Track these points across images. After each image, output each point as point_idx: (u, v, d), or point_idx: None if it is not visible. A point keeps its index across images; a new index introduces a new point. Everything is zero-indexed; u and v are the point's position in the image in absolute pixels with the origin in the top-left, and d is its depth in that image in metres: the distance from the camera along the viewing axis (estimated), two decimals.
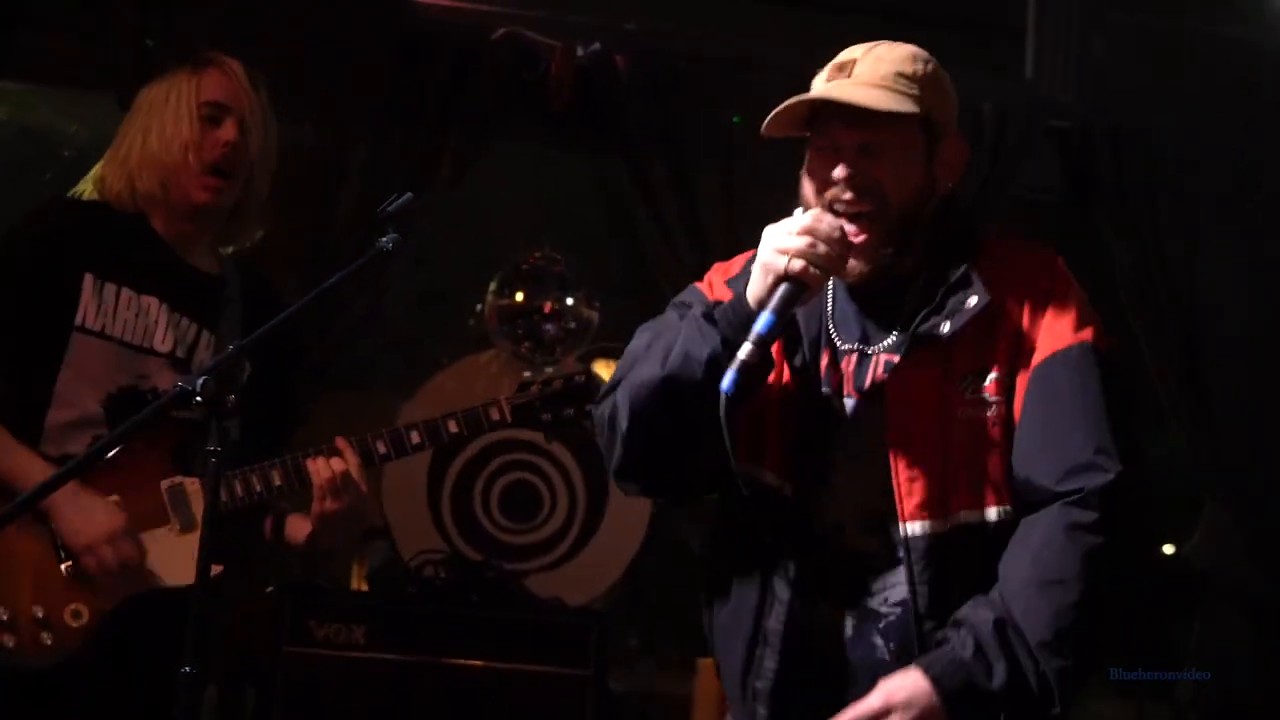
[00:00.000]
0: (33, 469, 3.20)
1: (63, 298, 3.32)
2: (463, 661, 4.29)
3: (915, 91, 2.53)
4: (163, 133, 3.39)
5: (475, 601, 4.48)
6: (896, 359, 2.55)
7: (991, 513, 2.52)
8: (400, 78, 4.83)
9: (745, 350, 2.39)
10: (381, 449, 3.40)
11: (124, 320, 3.36)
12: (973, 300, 2.52)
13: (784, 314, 2.44)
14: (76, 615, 3.25)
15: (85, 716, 3.27)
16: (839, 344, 2.62)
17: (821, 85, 2.59)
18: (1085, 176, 5.24)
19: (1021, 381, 2.53)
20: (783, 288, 2.44)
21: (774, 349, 2.57)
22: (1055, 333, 2.53)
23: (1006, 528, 2.51)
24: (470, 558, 4.82)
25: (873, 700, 2.44)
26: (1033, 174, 5.21)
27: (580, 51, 4.92)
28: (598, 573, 5.06)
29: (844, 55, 2.61)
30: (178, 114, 3.39)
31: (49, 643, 3.23)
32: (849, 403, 2.59)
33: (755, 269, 2.49)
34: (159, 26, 4.65)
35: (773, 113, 2.58)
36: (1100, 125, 5.21)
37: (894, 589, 2.53)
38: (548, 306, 5.01)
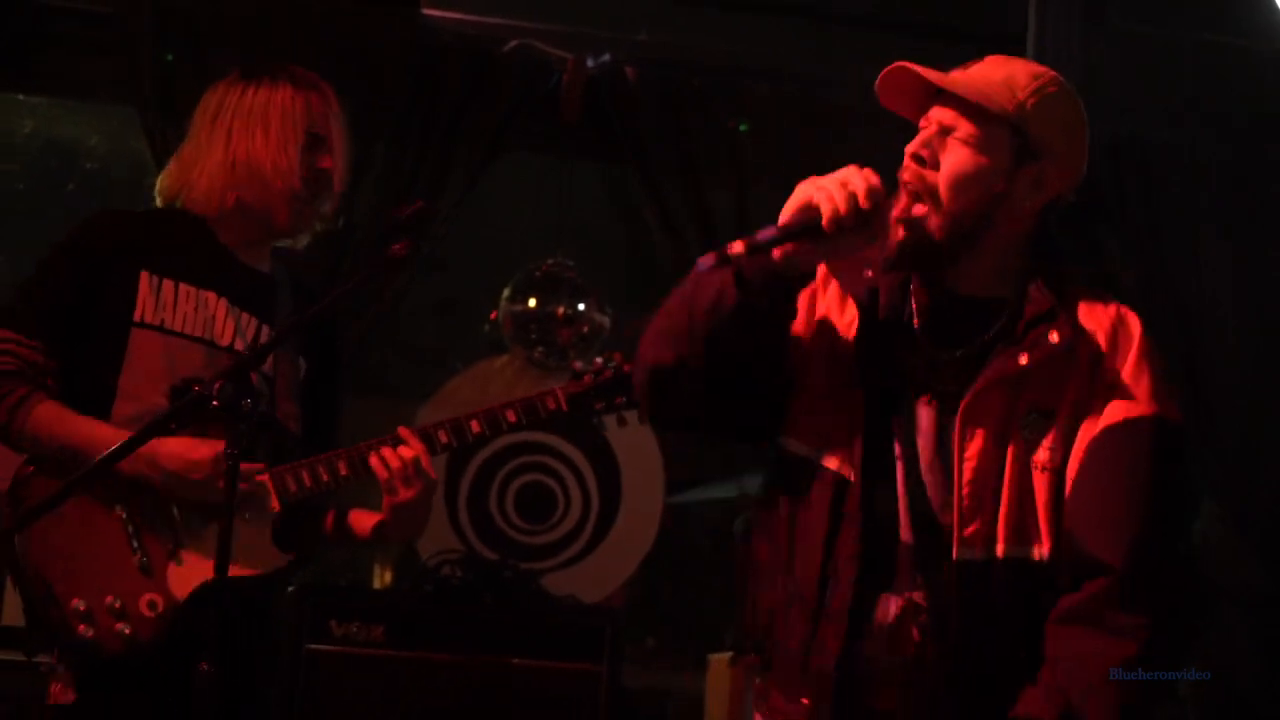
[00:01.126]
0: (115, 436, 3.16)
1: (120, 295, 3.34)
2: (480, 659, 4.29)
3: (1018, 98, 2.52)
4: (264, 149, 3.39)
5: (491, 600, 4.49)
6: (972, 380, 2.55)
7: (1033, 552, 2.52)
8: (414, 89, 4.86)
9: (735, 245, 2.42)
10: (444, 439, 3.42)
11: (184, 314, 3.38)
12: (1054, 336, 2.53)
13: (789, 233, 2.45)
14: (152, 605, 3.25)
15: (159, 704, 3.26)
16: (916, 349, 2.62)
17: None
18: (1085, 185, 5.23)
19: (1087, 432, 2.52)
20: (802, 216, 2.44)
21: (850, 345, 2.60)
22: (1130, 396, 2.52)
23: (1044, 568, 2.52)
24: (487, 557, 4.83)
25: None
26: None
27: (591, 63, 4.95)
28: (612, 571, 5.07)
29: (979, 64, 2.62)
30: (283, 136, 3.40)
31: (126, 632, 3.23)
32: (920, 407, 2.60)
33: (794, 195, 2.50)
34: (178, 42, 4.68)
35: (880, 75, 2.58)
36: (1100, 134, 5.20)
37: (935, 591, 2.54)
38: (560, 312, 5.02)
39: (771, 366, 2.62)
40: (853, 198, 2.44)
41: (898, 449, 2.59)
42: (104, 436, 3.19)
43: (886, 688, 2.56)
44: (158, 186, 3.55)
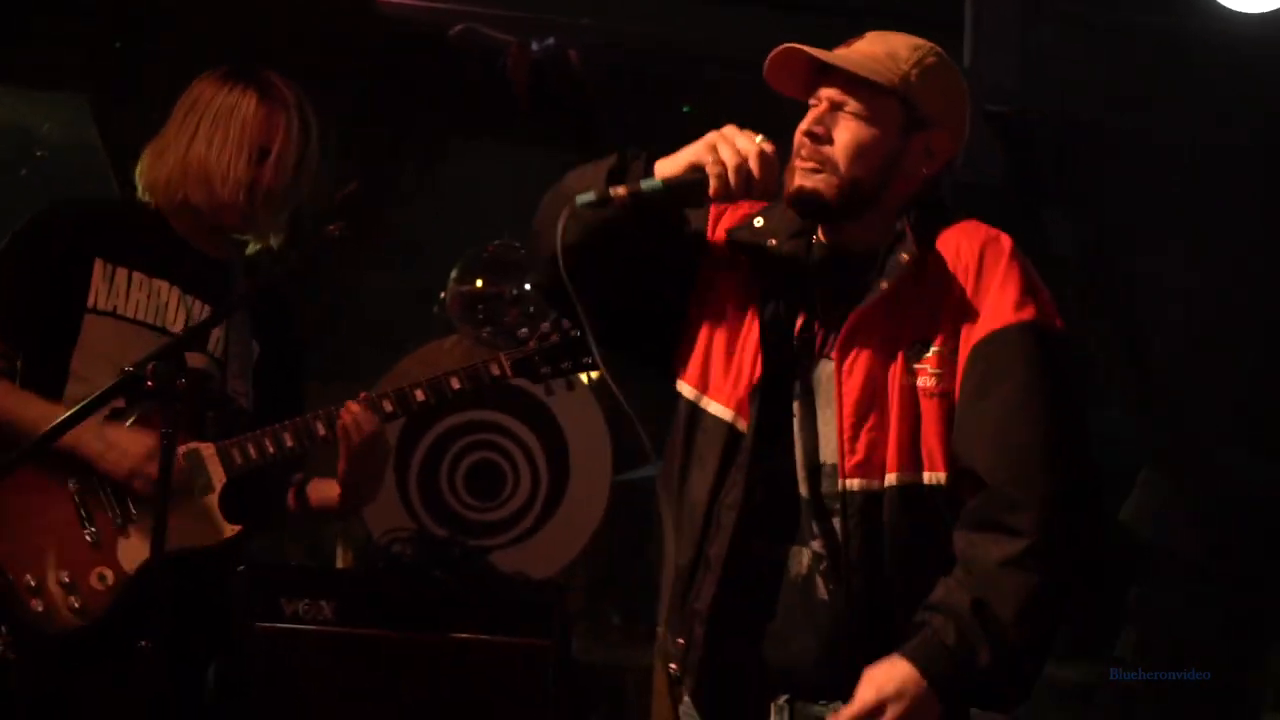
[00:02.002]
0: (55, 414, 3.15)
1: (73, 282, 3.39)
2: (429, 635, 4.25)
3: (902, 70, 2.58)
4: (215, 156, 3.44)
5: (440, 577, 4.48)
6: (844, 328, 2.57)
7: (926, 477, 2.53)
8: (366, 75, 4.87)
9: (615, 188, 2.51)
10: (388, 407, 3.47)
11: (136, 301, 3.43)
12: (901, 255, 2.55)
13: (672, 187, 2.53)
14: (101, 578, 3.30)
15: (109, 677, 3.29)
16: (812, 308, 2.65)
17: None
18: (1026, 161, 5.26)
19: (963, 355, 2.53)
20: (688, 174, 2.53)
21: (747, 295, 2.65)
22: (997, 309, 2.52)
23: (939, 492, 2.53)
24: (437, 535, 4.80)
25: (865, 695, 2.45)
26: (974, 159, 5.22)
27: (535, 47, 4.96)
28: (560, 547, 5.06)
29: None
30: (237, 145, 3.45)
31: (76, 606, 3.28)
32: (815, 363, 2.62)
33: (683, 152, 2.58)
34: (129, 30, 4.69)
35: (768, 57, 2.63)
36: (1041, 111, 5.24)
37: (829, 535, 2.56)
38: (507, 292, 5.01)
39: (667, 271, 2.70)
40: (743, 168, 2.52)
41: (795, 406, 2.62)
42: (51, 416, 3.15)
43: (800, 645, 2.58)
44: (137, 170, 3.57)
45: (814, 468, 2.60)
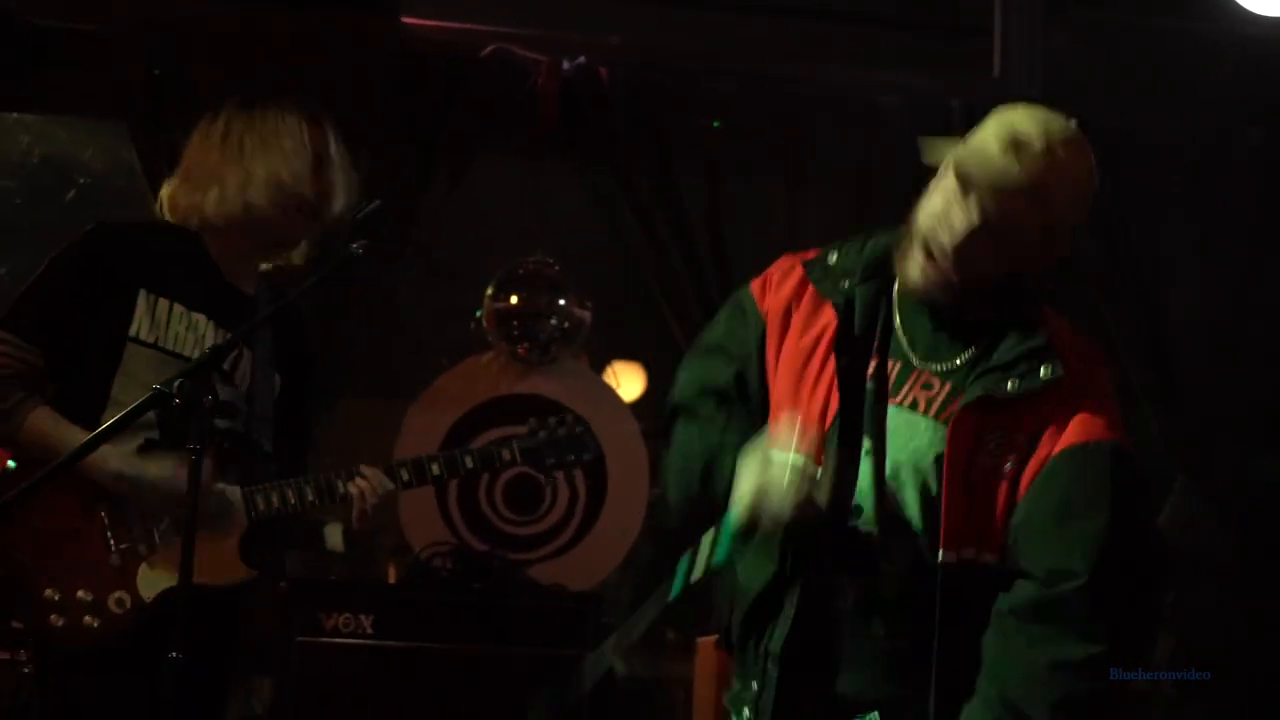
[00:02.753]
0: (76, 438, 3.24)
1: (117, 310, 3.41)
2: (466, 646, 4.29)
3: (1086, 199, 2.68)
4: (282, 165, 3.47)
5: (477, 589, 4.49)
6: (955, 394, 2.58)
7: (988, 557, 2.55)
8: (395, 96, 4.86)
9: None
10: (405, 476, 3.55)
11: (175, 333, 3.44)
12: (1045, 371, 2.56)
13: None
14: (120, 603, 3.34)
15: (123, 698, 3.30)
16: (885, 353, 2.65)
17: (1016, 161, 2.55)
18: None
19: (1046, 447, 2.55)
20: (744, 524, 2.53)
21: (820, 336, 2.67)
22: (1089, 424, 2.55)
23: (993, 570, 2.55)
24: (476, 549, 4.79)
25: None
26: None
27: (565, 66, 4.93)
28: (598, 560, 5.02)
29: (1037, 138, 2.59)
30: (296, 154, 3.50)
31: (94, 626, 3.32)
32: (892, 408, 2.62)
33: (741, 491, 2.53)
34: (164, 58, 4.69)
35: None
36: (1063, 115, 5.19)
37: (888, 580, 2.57)
38: (542, 308, 4.99)
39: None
40: (784, 500, 2.50)
41: (867, 442, 2.60)
42: (67, 436, 3.25)
43: (841, 670, 2.60)
44: (166, 203, 3.59)
45: (887, 515, 2.59)
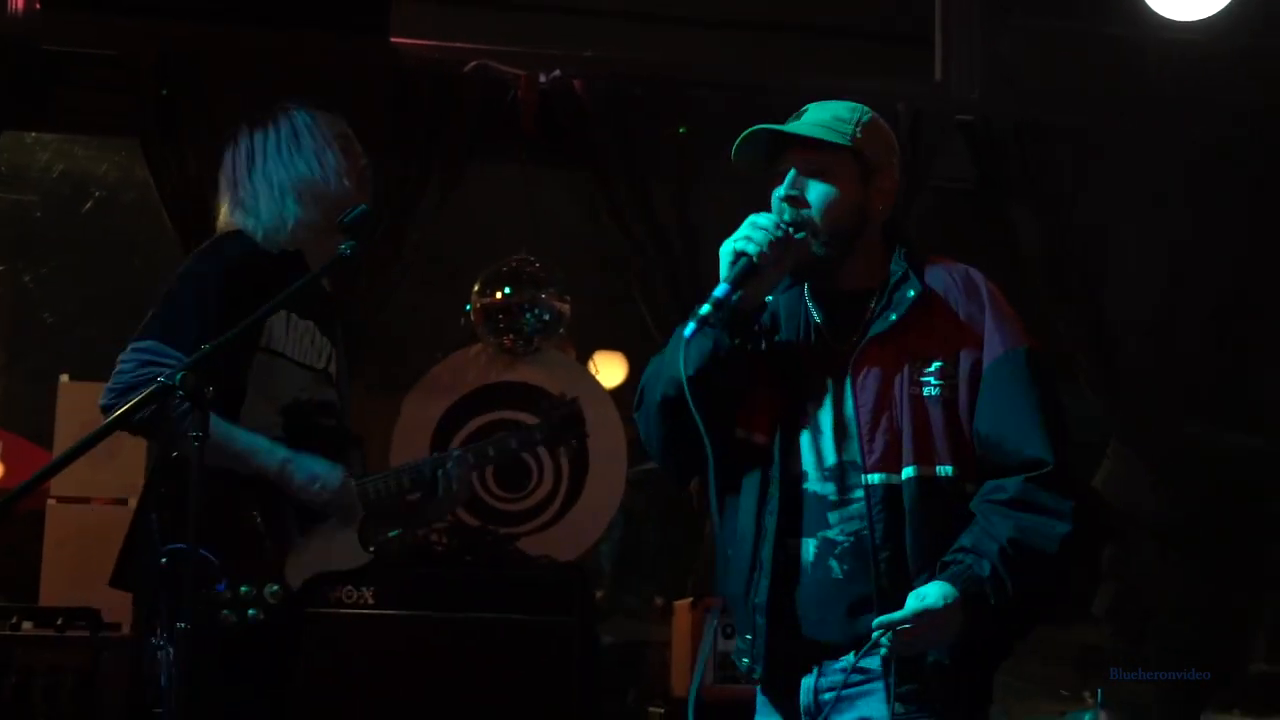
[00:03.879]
0: (268, 447, 3.33)
1: (252, 325, 3.35)
2: (461, 615, 4.32)
3: (849, 130, 2.79)
4: (315, 169, 3.45)
5: (470, 562, 4.53)
6: (859, 351, 2.76)
7: (932, 470, 2.72)
8: (387, 110, 4.87)
9: (702, 308, 2.66)
10: (472, 459, 3.59)
11: (292, 341, 3.44)
12: (910, 292, 2.76)
13: (737, 283, 2.70)
14: (274, 594, 3.34)
15: (271, 671, 3.40)
16: (815, 339, 2.84)
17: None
18: (992, 166, 5.26)
19: (972, 368, 2.74)
20: (739, 263, 2.70)
21: (761, 342, 2.83)
22: (999, 340, 2.75)
23: (945, 482, 2.72)
24: (470, 524, 4.83)
25: (911, 603, 2.62)
26: (946, 165, 5.23)
27: (543, 79, 4.97)
28: (581, 533, 5.07)
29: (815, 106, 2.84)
30: (320, 148, 3.49)
31: (260, 617, 3.32)
32: (820, 382, 2.80)
33: (722, 256, 2.74)
34: (174, 79, 4.72)
35: (736, 141, 2.81)
36: (1004, 119, 5.24)
37: (849, 522, 2.73)
38: (525, 302, 5.03)
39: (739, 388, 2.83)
40: (767, 233, 2.71)
41: (807, 420, 2.79)
42: (264, 447, 3.31)
43: (820, 618, 2.73)
44: (221, 222, 3.53)
45: (829, 468, 2.77)
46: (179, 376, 2.69)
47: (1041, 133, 5.24)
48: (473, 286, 5.10)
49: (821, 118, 2.80)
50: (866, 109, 2.86)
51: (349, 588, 4.26)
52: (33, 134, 5.38)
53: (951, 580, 2.63)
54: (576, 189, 5.23)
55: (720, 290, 2.69)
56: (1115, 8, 5.34)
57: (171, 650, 3.22)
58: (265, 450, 3.31)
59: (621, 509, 5.25)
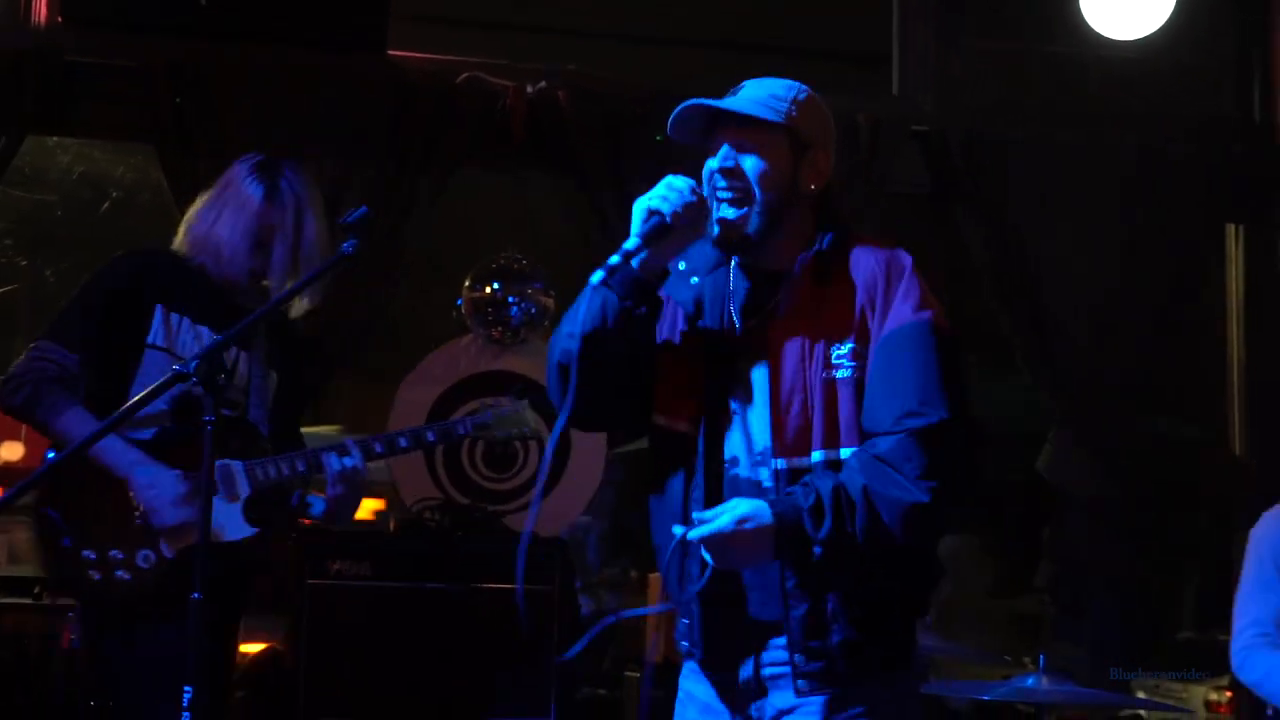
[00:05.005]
0: (122, 448, 3.44)
1: (139, 322, 3.55)
2: (452, 585, 4.34)
3: (784, 109, 2.66)
4: (228, 239, 3.59)
5: (460, 537, 4.55)
6: (770, 330, 2.67)
7: (843, 452, 2.62)
8: (387, 120, 4.89)
9: (611, 258, 2.62)
10: (378, 448, 3.67)
11: (183, 342, 3.56)
12: (817, 269, 2.66)
13: (647, 239, 2.63)
14: (147, 559, 3.44)
15: (153, 644, 3.40)
16: (737, 322, 2.72)
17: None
18: (944, 173, 5.30)
19: (871, 350, 2.63)
20: (651, 220, 2.64)
21: (681, 324, 2.73)
22: (899, 312, 2.62)
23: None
24: (460, 502, 4.86)
25: (721, 512, 2.54)
26: (902, 172, 5.27)
27: (530, 90, 5.00)
28: (564, 510, 5.09)
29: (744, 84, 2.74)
30: (242, 233, 3.60)
31: (125, 579, 3.43)
32: (744, 366, 2.70)
33: (635, 212, 2.68)
34: (188, 89, 4.73)
35: (672, 114, 2.74)
36: (955, 130, 5.28)
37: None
38: (513, 296, 5.05)
39: (644, 358, 2.74)
40: (682, 195, 2.65)
41: (732, 405, 2.70)
42: (117, 447, 3.43)
43: (764, 599, 2.65)
44: (183, 226, 3.72)
45: (759, 453, 2.67)
46: (193, 365, 2.77)
47: (989, 143, 5.27)
48: (463, 281, 5.12)
49: (757, 95, 2.69)
50: (804, 87, 2.73)
51: (348, 561, 4.29)
52: (54, 138, 5.36)
53: (771, 502, 2.54)
54: (561, 192, 5.25)
55: (630, 243, 2.62)
56: (1058, 28, 5.39)
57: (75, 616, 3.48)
58: (119, 450, 3.42)
59: (602, 488, 5.27)
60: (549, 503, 5.06)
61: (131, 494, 3.45)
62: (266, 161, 3.69)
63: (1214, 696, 4.97)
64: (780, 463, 2.62)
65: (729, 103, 2.70)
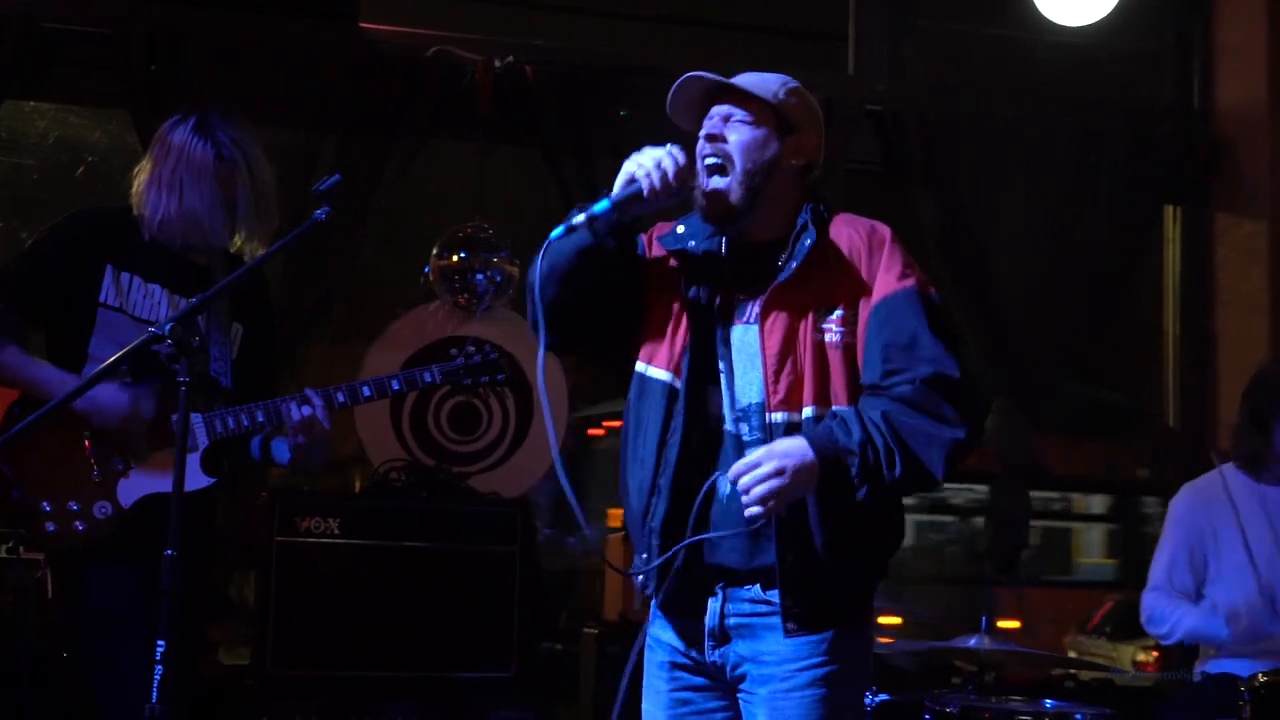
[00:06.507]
0: (61, 379, 3.35)
1: (91, 281, 3.44)
2: (418, 544, 4.27)
3: (773, 90, 2.71)
4: (203, 207, 3.47)
5: (425, 497, 4.48)
6: (765, 297, 2.67)
7: (828, 410, 2.62)
8: (358, 90, 4.77)
9: (577, 216, 2.64)
10: (341, 398, 3.53)
11: (135, 301, 3.46)
12: (807, 241, 2.66)
13: (619, 204, 2.65)
14: (103, 510, 3.37)
15: (114, 588, 3.35)
16: (727, 288, 2.73)
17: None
18: (897, 151, 5.23)
19: (863, 316, 2.63)
20: (630, 188, 2.65)
21: (679, 287, 2.73)
22: (888, 281, 2.64)
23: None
24: (425, 463, 4.77)
25: (759, 452, 2.54)
26: (858, 150, 5.20)
27: (498, 64, 4.87)
28: (526, 472, 4.98)
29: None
30: (214, 197, 3.48)
31: (81, 530, 3.36)
32: (733, 329, 2.71)
33: (622, 170, 2.70)
34: (162, 57, 4.60)
35: (672, 88, 2.75)
36: (908, 109, 5.21)
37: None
38: (479, 265, 4.94)
39: (625, 295, 2.75)
40: (665, 175, 2.64)
41: (721, 364, 2.71)
42: (56, 378, 3.35)
43: (730, 544, 2.64)
44: (133, 194, 3.56)
45: (741, 409, 2.67)
46: (168, 327, 2.70)
47: (940, 123, 5.22)
48: (431, 249, 5.00)
49: (752, 79, 2.73)
50: (797, 83, 2.77)
51: (317, 519, 4.21)
52: (31, 103, 5.27)
53: (809, 437, 2.55)
54: (526, 163, 5.17)
55: (600, 206, 2.65)
56: (1010, 12, 5.37)
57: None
58: (57, 382, 3.33)
59: (564, 452, 5.17)
60: (511, 465, 5.00)
61: (82, 411, 3.35)
62: (199, 121, 3.55)
63: (1141, 656, 5.00)
64: (777, 417, 2.62)
65: (727, 80, 2.72)
